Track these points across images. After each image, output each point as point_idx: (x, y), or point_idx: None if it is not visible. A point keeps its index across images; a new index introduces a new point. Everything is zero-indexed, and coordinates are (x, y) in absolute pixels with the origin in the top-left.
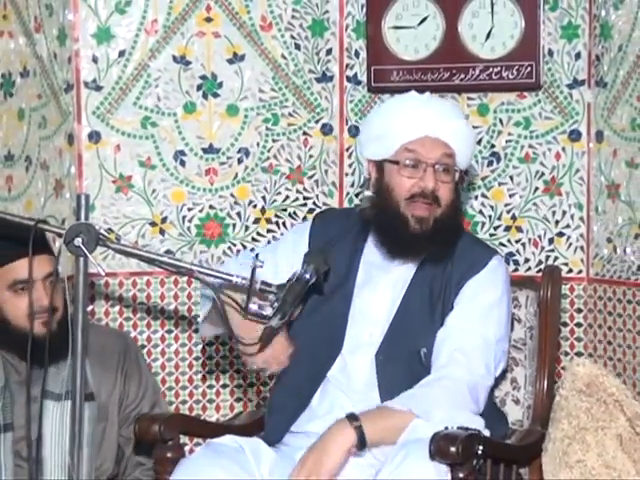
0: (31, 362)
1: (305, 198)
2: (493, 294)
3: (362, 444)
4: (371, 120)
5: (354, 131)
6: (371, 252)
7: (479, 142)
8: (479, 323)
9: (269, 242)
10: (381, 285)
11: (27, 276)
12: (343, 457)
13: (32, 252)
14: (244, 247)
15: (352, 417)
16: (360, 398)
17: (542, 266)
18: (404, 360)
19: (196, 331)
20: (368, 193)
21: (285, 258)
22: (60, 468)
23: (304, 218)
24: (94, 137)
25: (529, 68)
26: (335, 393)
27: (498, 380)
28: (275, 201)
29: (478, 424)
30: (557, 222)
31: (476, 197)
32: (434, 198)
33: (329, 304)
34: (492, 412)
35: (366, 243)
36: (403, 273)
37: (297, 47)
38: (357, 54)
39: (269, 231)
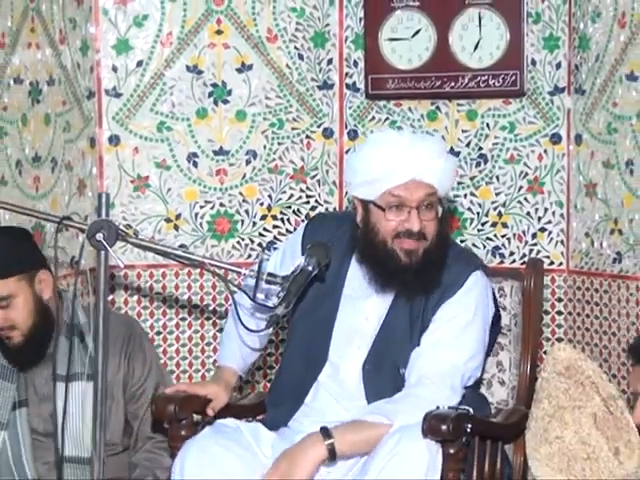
0: (14, 366)
1: (308, 196)
2: (465, 316)
3: (333, 457)
4: (356, 166)
5: (353, 134)
6: (358, 268)
7: (468, 144)
8: (450, 347)
9: (275, 237)
10: (367, 300)
11: None
12: (312, 469)
13: None
14: (252, 242)
15: (325, 433)
16: (351, 406)
17: (526, 259)
18: (388, 374)
19: (207, 319)
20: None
21: (285, 270)
22: (72, 441)
23: (307, 215)
24: (114, 140)
25: (514, 77)
26: (327, 398)
27: (485, 364)
28: (280, 199)
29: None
30: (539, 218)
31: (465, 195)
32: (420, 235)
33: (318, 311)
34: (474, 396)
35: (353, 256)
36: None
37: (300, 57)
38: (356, 64)
39: (274, 227)
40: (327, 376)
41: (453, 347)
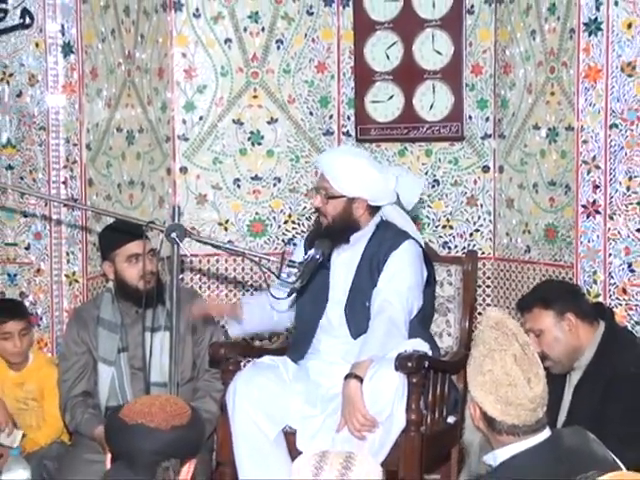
0: (138, 306)
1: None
2: (406, 262)
3: (361, 382)
4: None
5: None
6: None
7: (426, 173)
8: (396, 281)
9: (293, 236)
10: (343, 265)
11: (137, 252)
12: (360, 395)
13: (131, 240)
14: (277, 239)
15: (355, 376)
16: (339, 334)
17: (465, 250)
18: (358, 308)
19: (247, 291)
20: None
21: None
22: (156, 372)
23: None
24: (183, 170)
25: (457, 127)
26: (325, 338)
27: (428, 322)
28: (297, 210)
29: (426, 347)
30: (475, 223)
31: (424, 207)
32: (319, 211)
33: (318, 279)
34: (431, 342)
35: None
36: (354, 256)
37: (311, 114)
38: (349, 118)
39: (293, 228)
40: (323, 323)
41: (397, 281)
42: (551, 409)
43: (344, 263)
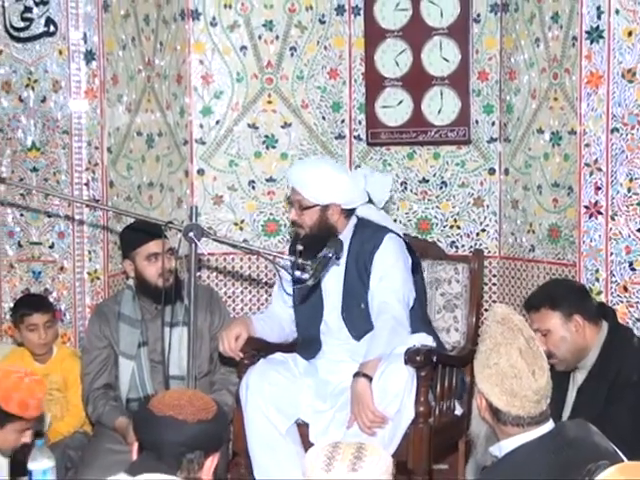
0: (158, 303)
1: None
2: (392, 258)
3: (370, 381)
4: None
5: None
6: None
7: (434, 175)
8: (387, 280)
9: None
10: (332, 272)
11: (157, 251)
12: (369, 393)
13: (150, 239)
14: (290, 237)
15: (363, 374)
16: (341, 339)
17: (472, 249)
18: (354, 312)
19: (261, 288)
20: None
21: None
22: (175, 366)
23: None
24: (200, 172)
25: (464, 131)
26: (328, 339)
27: (424, 309)
28: None
29: (431, 341)
30: (481, 223)
31: (433, 208)
32: (295, 224)
33: (311, 289)
34: (433, 334)
35: None
36: (340, 260)
37: (323, 118)
38: (360, 122)
39: None
40: (324, 326)
41: (389, 279)
42: (555, 407)
43: (332, 269)
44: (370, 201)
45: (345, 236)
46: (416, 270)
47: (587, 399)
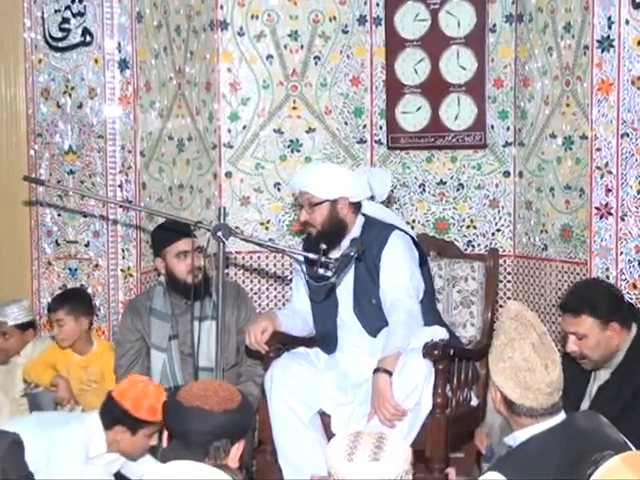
0: (187, 298)
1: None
2: (399, 255)
3: (390, 376)
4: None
5: None
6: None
7: (451, 177)
8: (397, 276)
9: None
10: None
11: (186, 249)
12: (390, 388)
13: (180, 238)
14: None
15: (384, 370)
16: (355, 332)
17: (488, 248)
18: (366, 307)
19: (286, 284)
20: None
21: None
22: (204, 358)
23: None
24: (228, 175)
25: (480, 136)
26: (344, 334)
27: (433, 300)
28: None
29: (444, 333)
30: (496, 223)
31: (450, 209)
32: (306, 224)
33: (324, 287)
34: (444, 324)
35: None
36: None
37: (346, 123)
38: (381, 127)
39: None
40: (340, 324)
41: (398, 276)
42: (574, 399)
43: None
44: (372, 198)
45: (354, 234)
46: (422, 263)
47: (608, 398)
